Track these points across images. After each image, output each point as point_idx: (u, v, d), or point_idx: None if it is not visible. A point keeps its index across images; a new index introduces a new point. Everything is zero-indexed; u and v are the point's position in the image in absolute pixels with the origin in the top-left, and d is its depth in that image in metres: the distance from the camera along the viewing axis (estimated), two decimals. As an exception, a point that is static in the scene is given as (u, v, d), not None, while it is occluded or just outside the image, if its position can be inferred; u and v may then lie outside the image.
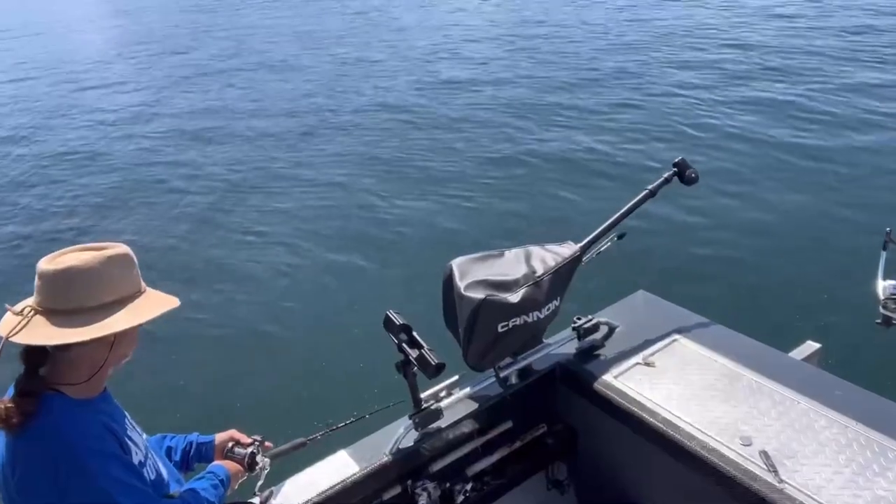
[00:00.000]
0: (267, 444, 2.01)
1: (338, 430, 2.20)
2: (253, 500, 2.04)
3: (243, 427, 2.05)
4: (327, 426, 2.19)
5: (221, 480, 1.74)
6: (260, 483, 2.00)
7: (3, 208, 9.41)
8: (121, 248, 1.51)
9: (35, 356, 1.44)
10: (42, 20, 28.84)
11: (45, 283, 1.42)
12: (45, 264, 1.43)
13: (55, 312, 1.41)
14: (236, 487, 1.90)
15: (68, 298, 1.42)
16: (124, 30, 24.80)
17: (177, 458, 1.91)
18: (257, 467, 1.94)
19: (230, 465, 1.86)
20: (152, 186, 9.56)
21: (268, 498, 2.04)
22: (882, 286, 2.28)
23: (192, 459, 1.95)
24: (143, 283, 1.56)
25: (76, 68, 18.23)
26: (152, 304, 1.52)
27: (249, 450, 1.93)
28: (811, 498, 1.80)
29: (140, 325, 1.50)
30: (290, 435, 2.13)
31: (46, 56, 20.67)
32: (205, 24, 22.94)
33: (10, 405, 1.38)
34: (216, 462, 1.87)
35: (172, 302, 1.56)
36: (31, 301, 1.45)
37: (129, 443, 1.52)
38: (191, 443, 1.95)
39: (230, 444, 1.95)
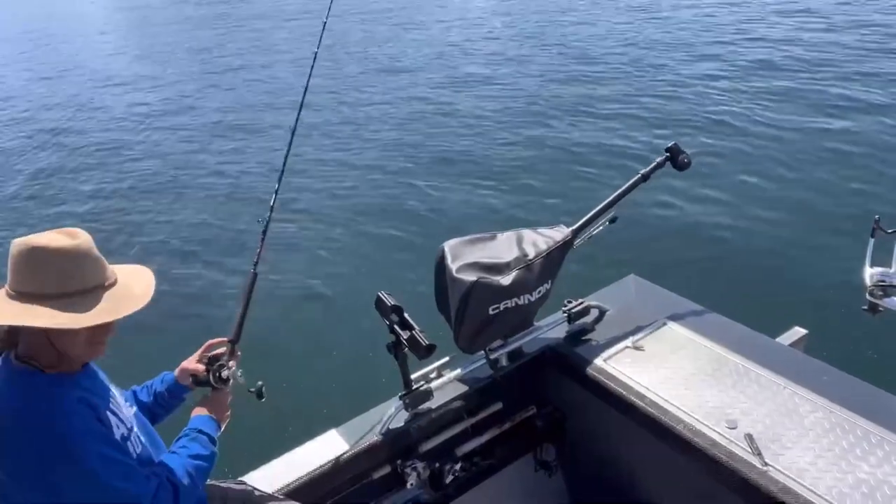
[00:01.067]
0: (216, 341, 1.90)
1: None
2: (243, 478, 2.06)
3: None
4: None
5: (199, 430, 1.69)
6: (243, 381, 1.89)
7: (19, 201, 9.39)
8: (75, 241, 1.44)
9: (9, 334, 1.46)
10: (57, 21, 28.43)
11: (15, 264, 1.42)
12: (16, 245, 1.42)
13: (21, 295, 1.41)
14: (229, 408, 1.82)
15: (34, 282, 1.41)
16: (136, 27, 24.46)
17: (156, 409, 1.87)
18: (229, 380, 1.83)
19: (207, 405, 1.78)
20: (162, 177, 9.53)
21: (261, 390, 1.92)
22: (869, 273, 2.30)
23: (171, 402, 1.89)
24: (109, 274, 1.49)
25: (93, 67, 17.99)
26: (119, 304, 1.46)
27: (210, 371, 1.82)
28: (794, 480, 1.83)
29: (72, 328, 1.41)
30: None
31: (60, 55, 20.39)
32: (222, 18, 22.61)
33: None
34: (194, 413, 1.77)
35: (140, 303, 1.49)
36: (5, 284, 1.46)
37: (110, 416, 1.50)
38: (158, 393, 1.88)
39: (189, 380, 1.87)
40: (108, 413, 1.50)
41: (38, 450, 1.35)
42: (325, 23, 2.67)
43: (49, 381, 1.44)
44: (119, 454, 1.44)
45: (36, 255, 1.41)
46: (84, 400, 1.45)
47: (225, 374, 1.83)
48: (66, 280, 1.42)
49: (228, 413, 1.83)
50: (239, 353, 1.89)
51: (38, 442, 1.35)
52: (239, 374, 1.87)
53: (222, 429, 1.78)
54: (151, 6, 27.92)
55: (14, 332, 1.46)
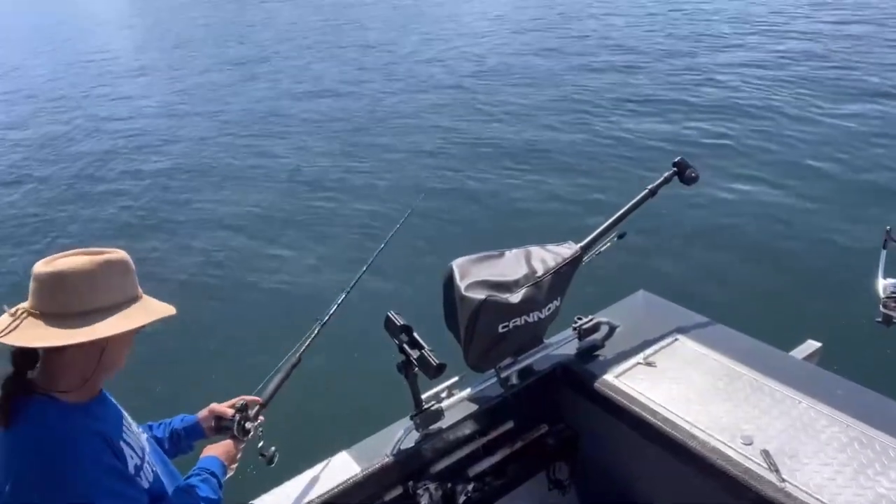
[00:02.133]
0: (250, 399, 1.96)
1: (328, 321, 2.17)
2: (252, 503, 2.04)
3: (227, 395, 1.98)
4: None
5: (211, 473, 1.70)
6: (261, 444, 1.95)
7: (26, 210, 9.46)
8: (117, 254, 1.49)
9: (23, 358, 1.42)
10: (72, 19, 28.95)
11: (39, 286, 1.41)
12: (40, 267, 1.42)
13: (47, 315, 1.39)
14: (238, 461, 1.85)
15: (59, 301, 1.40)
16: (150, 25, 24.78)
17: (167, 447, 1.87)
18: (250, 433, 1.89)
19: (221, 449, 1.81)
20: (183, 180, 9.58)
21: (273, 456, 1.97)
22: (882, 285, 2.28)
23: (184, 443, 1.91)
24: (139, 291, 1.53)
25: (109, 66, 18.30)
26: (145, 312, 1.50)
27: (236, 418, 1.87)
28: (813, 497, 1.80)
29: (131, 332, 1.46)
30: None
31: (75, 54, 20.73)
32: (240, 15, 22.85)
33: None
34: (205, 453, 1.81)
35: (167, 310, 1.54)
36: (25, 304, 1.44)
37: (124, 447, 1.49)
38: (176, 430, 1.90)
39: (212, 422, 1.90)
40: (122, 444, 1.49)
41: (43, 478, 1.34)
42: None
43: (64, 410, 1.42)
44: (129, 489, 1.44)
45: (80, 273, 1.41)
46: (98, 432, 1.43)
47: (248, 426, 1.88)
48: (115, 290, 1.46)
49: (235, 466, 1.86)
50: (262, 418, 1.95)
51: (45, 470, 1.34)
52: (260, 431, 1.93)
53: (226, 477, 1.78)
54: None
55: (25, 357, 1.43)
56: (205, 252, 7.46)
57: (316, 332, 2.17)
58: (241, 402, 1.93)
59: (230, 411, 1.91)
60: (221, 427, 1.89)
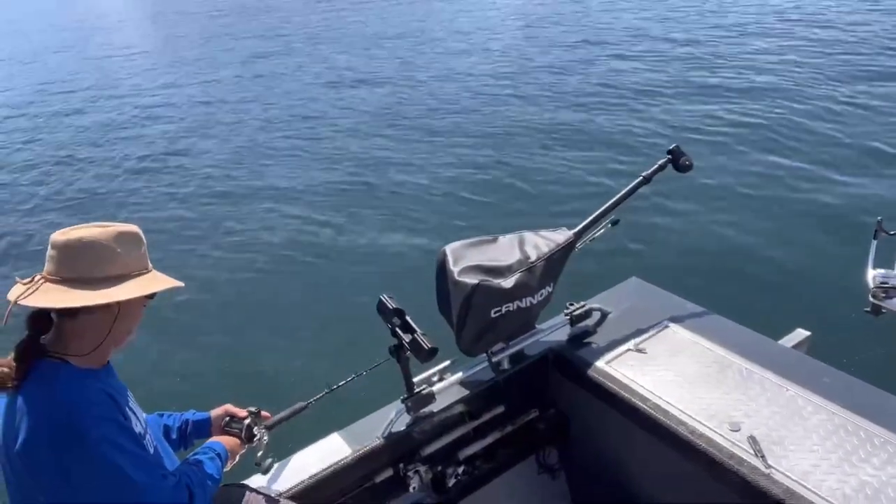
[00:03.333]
0: (264, 413, 2.03)
1: (337, 389, 2.21)
2: (245, 482, 2.06)
3: (239, 403, 2.06)
4: (327, 387, 2.21)
5: (218, 454, 1.76)
6: (260, 453, 2.01)
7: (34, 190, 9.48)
8: (130, 227, 1.57)
9: (39, 322, 1.49)
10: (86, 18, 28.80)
11: (56, 253, 1.48)
12: (57, 236, 1.49)
13: (64, 280, 1.46)
14: (237, 460, 1.91)
15: (76, 268, 1.47)
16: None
17: (174, 436, 1.92)
18: (255, 439, 1.96)
19: (227, 441, 1.87)
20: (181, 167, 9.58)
21: (269, 467, 2.04)
22: (872, 275, 2.29)
23: (189, 436, 1.96)
24: (149, 264, 1.61)
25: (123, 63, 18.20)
26: (157, 281, 1.58)
27: (246, 422, 1.96)
28: (798, 483, 1.82)
29: (144, 298, 1.55)
30: (280, 411, 2.13)
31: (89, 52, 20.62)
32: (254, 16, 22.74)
33: (6, 368, 1.42)
34: (213, 438, 1.88)
35: (177, 282, 1.61)
36: (41, 273, 1.50)
37: (131, 414, 1.54)
38: (187, 421, 1.96)
39: (226, 419, 1.97)
40: (129, 410, 1.54)
41: (51, 433, 1.37)
42: None
43: (76, 372, 1.47)
44: (136, 446, 1.47)
45: (105, 240, 1.49)
46: (109, 394, 1.49)
47: (256, 432, 1.96)
48: (132, 260, 1.54)
49: (234, 462, 1.90)
50: (267, 439, 2.01)
51: (53, 425, 1.38)
52: (265, 440, 2.00)
53: (225, 469, 1.82)
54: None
55: (39, 321, 1.48)
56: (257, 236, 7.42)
57: (325, 392, 2.23)
58: (255, 409, 2.01)
59: (244, 413, 1.99)
60: (231, 426, 1.96)
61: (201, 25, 22.96)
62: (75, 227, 1.52)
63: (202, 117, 12.03)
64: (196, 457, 1.72)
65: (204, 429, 1.97)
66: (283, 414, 2.12)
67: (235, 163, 9.64)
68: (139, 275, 1.55)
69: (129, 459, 1.42)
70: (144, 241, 1.60)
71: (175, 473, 1.54)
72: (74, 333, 1.49)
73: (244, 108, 12.16)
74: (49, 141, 11.98)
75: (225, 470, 1.82)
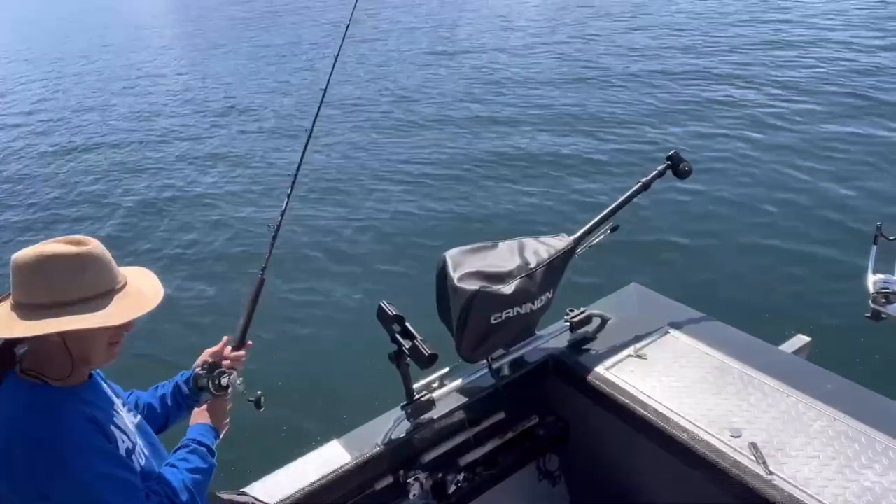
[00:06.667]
0: (217, 349, 1.89)
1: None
2: (245, 490, 2.05)
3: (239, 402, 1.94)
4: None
5: (199, 442, 1.68)
6: (243, 391, 1.86)
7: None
8: (90, 248, 1.43)
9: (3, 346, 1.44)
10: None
11: (13, 275, 1.41)
12: (18, 254, 1.40)
13: (17, 306, 1.40)
14: (228, 416, 1.82)
15: (29, 293, 1.39)
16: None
17: (170, 403, 1.87)
18: (228, 388, 1.81)
19: (206, 415, 1.77)
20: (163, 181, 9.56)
21: (259, 399, 1.89)
22: (872, 280, 2.29)
23: (188, 398, 1.88)
24: (115, 283, 1.47)
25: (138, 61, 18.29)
26: (120, 307, 1.44)
27: (209, 380, 1.80)
28: (799, 489, 1.81)
29: (90, 329, 1.39)
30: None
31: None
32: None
33: None
34: (193, 421, 1.77)
35: (142, 307, 1.47)
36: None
37: (115, 431, 1.48)
38: (177, 385, 1.88)
39: (199, 372, 1.84)
40: (113, 427, 1.48)
41: (33, 462, 1.34)
42: (348, 25, 2.69)
43: (53, 394, 1.42)
44: (120, 471, 1.42)
45: (50, 264, 1.38)
46: (89, 416, 1.43)
47: (224, 381, 1.80)
48: (84, 285, 1.40)
49: (227, 421, 1.83)
50: (241, 380, 1.86)
51: (34, 454, 1.34)
52: (239, 381, 1.84)
53: (221, 437, 1.77)
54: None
55: (9, 348, 1.44)
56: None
57: (271, 244, 2.06)
58: (208, 359, 1.86)
59: (209, 359, 1.85)
60: (200, 388, 1.82)
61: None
62: (42, 244, 1.41)
63: (203, 116, 12.10)
64: (175, 454, 1.66)
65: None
66: (244, 315, 1.93)
67: (234, 163, 9.70)
68: (114, 292, 1.44)
69: (111, 485, 1.38)
70: (104, 258, 1.45)
71: (158, 490, 1.49)
72: (45, 356, 1.42)
73: (232, 107, 12.22)
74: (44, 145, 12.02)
75: (221, 436, 1.77)
